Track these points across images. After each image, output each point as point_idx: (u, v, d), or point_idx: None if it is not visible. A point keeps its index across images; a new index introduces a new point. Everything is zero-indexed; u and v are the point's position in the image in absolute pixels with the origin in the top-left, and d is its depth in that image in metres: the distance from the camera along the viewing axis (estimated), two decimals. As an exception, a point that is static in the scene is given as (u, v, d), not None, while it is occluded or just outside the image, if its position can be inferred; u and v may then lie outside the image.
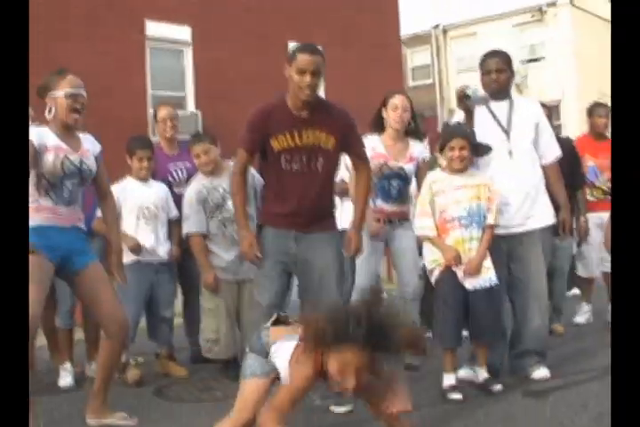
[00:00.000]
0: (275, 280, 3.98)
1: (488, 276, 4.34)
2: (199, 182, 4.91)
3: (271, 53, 11.76)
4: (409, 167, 4.97)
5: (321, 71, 3.82)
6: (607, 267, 6.25)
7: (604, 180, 6.34)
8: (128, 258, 4.72)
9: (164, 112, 5.29)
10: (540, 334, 4.69)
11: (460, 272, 4.32)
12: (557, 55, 22.51)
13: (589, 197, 6.37)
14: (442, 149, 4.48)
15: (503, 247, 4.51)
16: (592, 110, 6.61)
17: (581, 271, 6.55)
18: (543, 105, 5.19)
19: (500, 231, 4.43)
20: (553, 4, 22.67)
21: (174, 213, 5.08)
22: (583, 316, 6.56)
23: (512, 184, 4.45)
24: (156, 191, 5.03)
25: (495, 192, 4.42)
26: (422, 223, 4.42)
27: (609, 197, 6.18)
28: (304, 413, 3.96)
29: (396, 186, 4.94)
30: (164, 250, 4.97)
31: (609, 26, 15.44)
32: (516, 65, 19.67)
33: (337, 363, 2.67)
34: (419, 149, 5.06)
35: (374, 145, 4.85)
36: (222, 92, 11.48)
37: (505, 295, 4.61)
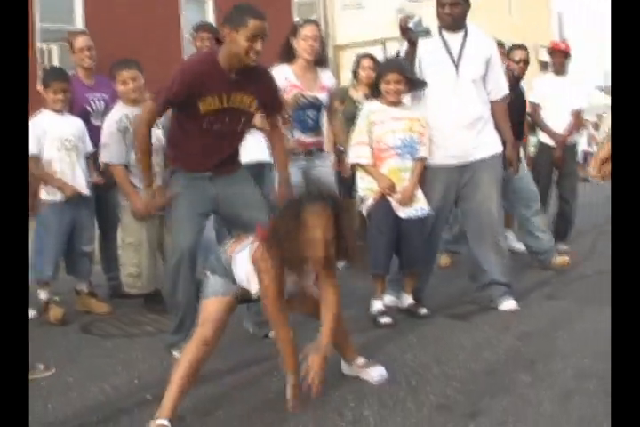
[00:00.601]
0: (194, 222, 3.90)
1: (419, 205, 4.48)
2: (120, 111, 4.73)
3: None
4: (322, 96, 4.96)
5: None
6: None
7: None
8: (50, 196, 4.61)
9: (80, 41, 5.08)
10: (502, 264, 4.73)
11: (393, 201, 4.41)
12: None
13: None
14: (377, 82, 4.52)
15: (454, 178, 4.58)
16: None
17: None
18: (499, 44, 5.26)
19: (449, 162, 4.52)
20: None
21: (90, 147, 4.92)
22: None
23: (457, 114, 4.48)
24: (73, 123, 4.87)
25: (426, 127, 4.52)
26: (358, 152, 4.46)
27: None
28: (238, 342, 4.02)
29: (312, 116, 4.93)
30: (83, 184, 4.80)
31: None
32: (401, 3, 19.68)
33: (307, 234, 2.87)
34: (328, 77, 5.07)
35: (286, 75, 4.82)
36: (112, 25, 11.07)
37: (439, 225, 4.73)
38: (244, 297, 3.19)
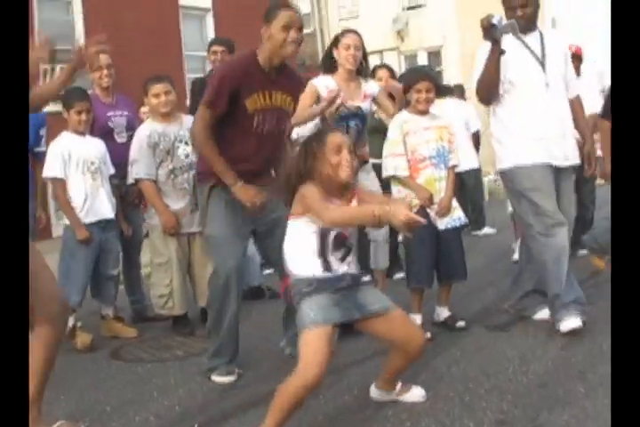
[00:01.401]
0: (238, 243, 3.78)
1: (457, 215, 4.44)
2: (150, 126, 4.72)
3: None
4: (365, 105, 4.83)
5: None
6: None
7: None
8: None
9: (100, 59, 5.01)
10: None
11: (432, 212, 4.33)
12: (438, 2, 22.72)
13: None
14: (406, 91, 4.47)
15: (554, 179, 4.34)
16: None
17: None
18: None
19: (551, 162, 4.29)
20: (433, -49, 22.78)
21: (112, 170, 4.85)
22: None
23: (551, 116, 4.31)
24: (96, 145, 4.77)
25: (454, 134, 4.54)
26: (395, 163, 4.38)
27: None
28: (274, 361, 3.92)
29: (354, 126, 4.77)
30: (109, 206, 4.71)
31: None
32: (397, 13, 19.75)
33: (327, 150, 2.96)
34: (371, 86, 4.93)
35: (328, 84, 4.71)
36: (113, 44, 11.01)
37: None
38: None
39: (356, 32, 4.83)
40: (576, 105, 4.50)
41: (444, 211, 4.37)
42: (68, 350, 4.49)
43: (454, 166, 4.51)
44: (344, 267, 2.98)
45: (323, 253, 2.93)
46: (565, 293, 4.20)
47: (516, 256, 6.49)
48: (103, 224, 4.71)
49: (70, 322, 4.59)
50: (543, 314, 4.49)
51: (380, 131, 5.22)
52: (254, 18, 4.68)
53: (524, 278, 4.66)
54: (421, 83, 4.39)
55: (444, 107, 7.14)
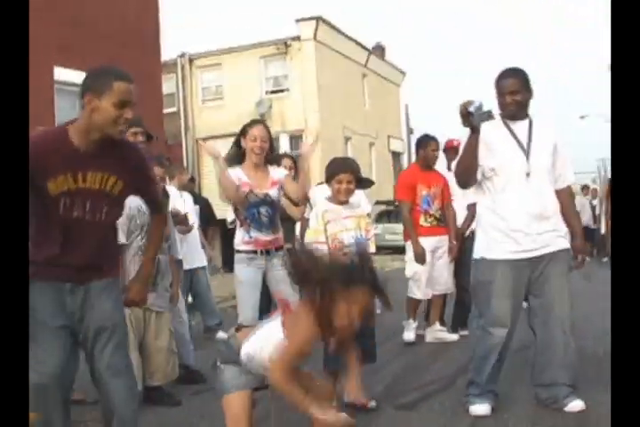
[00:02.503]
0: (57, 350, 3.20)
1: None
2: (132, 198, 4.73)
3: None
4: (273, 192, 5.07)
5: None
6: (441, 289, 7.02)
7: (436, 208, 6.87)
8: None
9: None
10: (569, 364, 4.40)
11: None
12: (301, 87, 23.64)
13: (424, 224, 6.82)
14: (328, 181, 4.72)
15: (525, 272, 4.33)
16: (423, 143, 7.04)
17: (413, 293, 6.92)
18: None
19: (521, 255, 4.28)
20: (297, 39, 23.83)
21: None
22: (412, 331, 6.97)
23: (530, 206, 4.26)
24: None
25: (369, 224, 4.78)
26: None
27: (441, 224, 6.90)
28: None
29: (265, 213, 5.00)
30: None
31: (348, 61, 17.10)
32: (260, 96, 20.41)
33: (347, 304, 2.90)
34: (278, 172, 5.17)
35: (238, 175, 4.96)
36: None
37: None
38: (260, 386, 3.21)
39: (263, 123, 5.16)
40: (564, 196, 4.46)
41: None
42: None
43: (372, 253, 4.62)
44: None
45: None
46: (485, 383, 4.37)
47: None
48: None
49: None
50: (576, 406, 4.32)
51: (282, 218, 5.44)
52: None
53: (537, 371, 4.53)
54: (342, 175, 4.60)
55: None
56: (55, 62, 12.67)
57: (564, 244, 4.39)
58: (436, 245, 6.84)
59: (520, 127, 4.37)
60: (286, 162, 6.57)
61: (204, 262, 7.82)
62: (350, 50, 26.41)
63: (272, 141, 5.16)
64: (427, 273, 6.80)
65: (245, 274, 4.93)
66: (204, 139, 21.16)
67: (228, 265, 6.65)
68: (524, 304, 4.55)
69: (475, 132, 4.17)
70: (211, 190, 11.12)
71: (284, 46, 23.89)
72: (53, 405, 3.16)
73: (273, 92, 24.54)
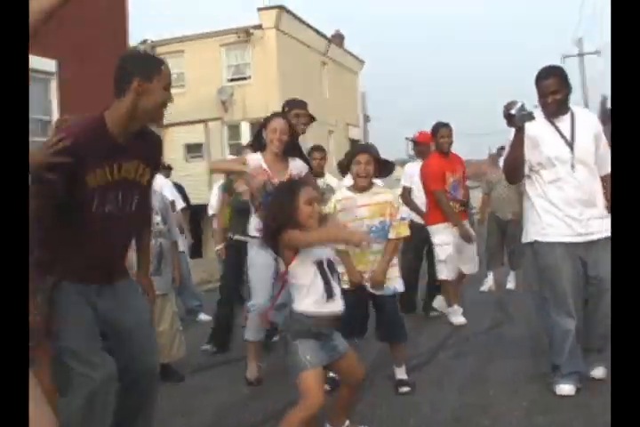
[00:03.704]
0: (101, 351, 3.08)
1: (392, 285, 4.74)
2: None
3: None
4: None
5: None
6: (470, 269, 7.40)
7: (461, 193, 7.24)
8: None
9: None
10: (607, 333, 4.37)
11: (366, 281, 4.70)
12: (262, 75, 23.80)
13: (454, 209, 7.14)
14: (348, 167, 4.79)
15: (577, 255, 4.51)
16: (435, 131, 7.31)
17: (445, 274, 7.19)
18: None
19: (576, 239, 4.49)
20: (259, 27, 23.97)
21: None
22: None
23: (578, 195, 4.51)
24: None
25: (397, 209, 4.78)
26: None
27: (466, 209, 7.35)
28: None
29: None
30: None
31: (308, 50, 17.57)
32: (222, 83, 20.49)
33: (304, 203, 3.38)
34: (298, 165, 5.17)
35: (259, 161, 5.03)
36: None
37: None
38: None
39: (283, 116, 5.21)
40: (608, 182, 4.56)
41: (376, 285, 4.66)
42: None
43: (394, 240, 4.72)
44: (339, 291, 3.46)
45: (326, 279, 3.39)
46: (565, 364, 4.49)
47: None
48: None
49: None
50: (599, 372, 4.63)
51: (247, 212, 5.47)
52: (100, 85, 4.70)
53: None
54: (360, 155, 4.69)
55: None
56: (25, 50, 12.71)
57: (608, 232, 4.45)
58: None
59: (563, 122, 4.59)
60: (315, 155, 6.68)
61: (184, 247, 8.15)
62: (311, 38, 26.66)
63: (294, 134, 5.21)
64: (456, 256, 7.15)
65: (259, 258, 5.03)
66: (167, 126, 21.33)
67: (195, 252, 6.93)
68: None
69: (519, 131, 4.44)
70: (177, 178, 11.28)
71: (245, 34, 23.96)
72: (109, 404, 3.06)
73: (234, 79, 24.64)
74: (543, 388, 4.55)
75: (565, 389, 4.44)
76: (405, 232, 4.80)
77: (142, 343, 3.26)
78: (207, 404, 4.74)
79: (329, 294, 3.38)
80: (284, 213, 3.38)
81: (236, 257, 6.26)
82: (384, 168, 4.82)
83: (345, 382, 3.70)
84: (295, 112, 5.57)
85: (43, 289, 3.00)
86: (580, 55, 32.91)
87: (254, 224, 5.04)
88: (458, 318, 7.14)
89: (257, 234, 4.96)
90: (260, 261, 5.03)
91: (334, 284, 3.43)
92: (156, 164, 3.36)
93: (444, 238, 7.13)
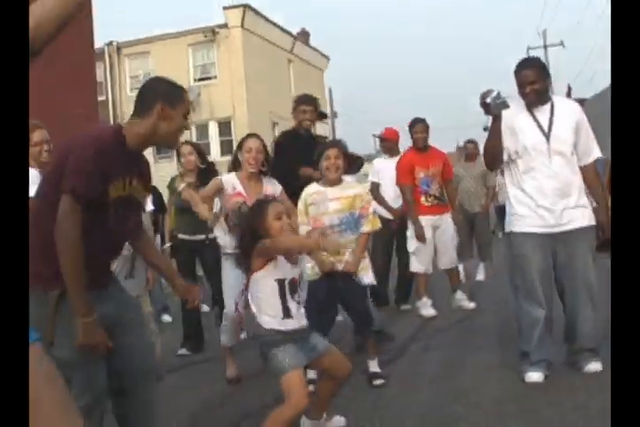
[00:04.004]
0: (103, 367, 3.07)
1: (363, 275, 4.86)
2: None
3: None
4: None
5: None
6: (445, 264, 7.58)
7: (435, 187, 7.41)
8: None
9: (37, 135, 4.78)
10: (592, 331, 4.65)
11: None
12: (228, 74, 23.84)
13: (424, 203, 7.37)
14: (317, 162, 4.84)
15: (550, 246, 4.58)
16: (411, 127, 7.48)
17: (415, 267, 7.44)
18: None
19: (546, 230, 4.55)
20: (225, 26, 23.99)
21: None
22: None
23: (552, 185, 4.54)
24: None
25: (369, 202, 4.90)
26: (301, 232, 4.73)
27: (440, 203, 7.45)
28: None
29: None
30: None
31: (274, 48, 17.75)
32: (189, 84, 20.53)
33: (273, 219, 3.55)
34: (272, 185, 5.22)
35: (234, 183, 5.10)
36: None
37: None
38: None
39: (257, 136, 5.28)
40: (589, 172, 4.70)
41: (348, 269, 4.74)
42: None
43: (366, 233, 4.83)
44: (301, 309, 3.58)
45: (283, 298, 3.51)
46: (534, 352, 4.59)
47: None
48: None
49: None
50: (592, 366, 4.60)
51: (188, 209, 5.55)
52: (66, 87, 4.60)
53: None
54: (329, 150, 4.77)
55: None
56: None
57: (590, 221, 4.63)
58: (438, 222, 7.41)
59: (542, 111, 4.64)
60: (185, 149, 6.45)
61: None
62: (276, 36, 26.75)
63: (267, 153, 5.27)
64: (429, 249, 7.36)
65: (231, 271, 5.07)
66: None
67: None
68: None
69: (495, 119, 4.55)
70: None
71: (211, 34, 24.02)
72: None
73: (201, 79, 24.70)
74: (514, 376, 4.65)
75: (534, 376, 4.54)
76: (377, 225, 4.91)
77: (140, 341, 3.28)
78: (187, 403, 4.80)
79: (285, 313, 3.50)
80: (256, 231, 3.54)
81: (184, 255, 6.38)
82: (353, 163, 4.93)
83: (330, 376, 3.78)
84: (302, 108, 5.75)
85: (46, 302, 2.94)
86: (545, 47, 33.31)
87: (227, 242, 5.12)
88: (428, 310, 7.28)
89: (230, 251, 5.03)
90: (231, 273, 5.06)
91: (292, 304, 3.54)
92: (149, 181, 3.39)
93: (412, 232, 7.33)
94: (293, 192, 5.08)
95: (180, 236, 6.37)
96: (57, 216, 2.86)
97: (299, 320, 3.55)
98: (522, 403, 4.16)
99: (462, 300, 7.59)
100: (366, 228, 4.85)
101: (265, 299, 3.52)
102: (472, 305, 7.47)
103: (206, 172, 6.22)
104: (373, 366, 4.94)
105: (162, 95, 3.14)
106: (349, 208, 4.78)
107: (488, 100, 4.40)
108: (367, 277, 4.92)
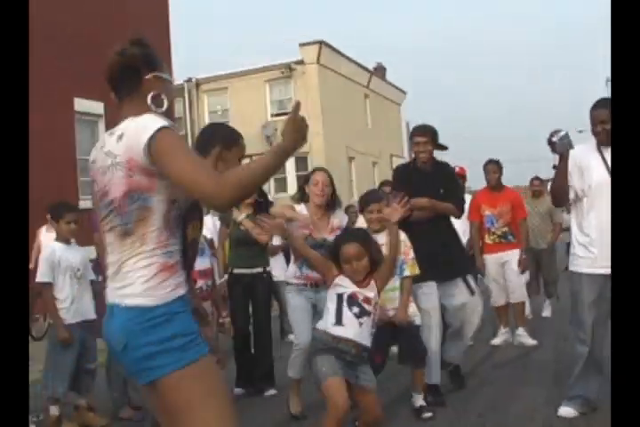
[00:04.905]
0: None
1: (413, 319, 5.00)
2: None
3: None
4: (331, 238, 5.02)
5: None
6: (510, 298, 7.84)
7: (499, 226, 7.73)
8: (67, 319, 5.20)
9: None
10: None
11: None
12: (305, 110, 24.05)
13: (487, 241, 7.73)
14: (362, 212, 5.15)
15: (606, 287, 4.44)
16: (485, 168, 7.92)
17: (491, 301, 7.90)
18: None
19: (599, 271, 4.55)
20: (301, 62, 24.49)
21: (92, 275, 5.49)
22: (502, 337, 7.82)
23: (609, 226, 4.40)
24: (81, 253, 5.39)
25: (410, 247, 5.01)
26: None
27: (503, 241, 7.72)
28: None
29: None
30: (91, 308, 5.34)
31: (350, 83, 17.97)
32: (266, 119, 20.85)
33: (344, 260, 4.03)
34: (339, 218, 5.37)
35: (304, 215, 5.27)
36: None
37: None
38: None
39: (324, 170, 5.41)
40: None
41: (401, 320, 4.85)
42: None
43: (409, 277, 4.96)
44: (355, 323, 3.87)
45: (339, 307, 3.90)
46: (571, 387, 4.75)
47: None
48: (86, 324, 5.28)
49: (55, 411, 5.17)
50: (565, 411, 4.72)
51: (246, 242, 5.87)
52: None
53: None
54: (371, 205, 4.99)
55: None
56: (74, 93, 13.33)
57: None
58: (503, 259, 7.73)
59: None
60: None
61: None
62: (352, 71, 27.13)
63: (334, 186, 5.39)
64: (497, 283, 7.80)
65: (297, 301, 5.26)
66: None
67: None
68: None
69: (561, 158, 4.67)
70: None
71: (288, 70, 24.54)
72: None
73: (278, 114, 25.03)
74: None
75: (564, 411, 4.65)
76: (417, 270, 5.02)
77: None
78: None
79: (337, 319, 3.86)
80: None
81: (240, 289, 6.23)
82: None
83: (363, 418, 4.03)
84: (415, 140, 5.60)
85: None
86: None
87: (292, 272, 5.31)
88: (495, 339, 7.77)
89: (295, 281, 5.25)
90: (299, 305, 5.23)
91: (347, 314, 3.87)
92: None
93: (489, 268, 7.77)
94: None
95: (236, 271, 6.25)
96: None
97: (348, 331, 3.86)
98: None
99: (523, 336, 7.66)
100: (408, 272, 4.98)
101: (328, 307, 3.98)
102: (533, 342, 7.53)
103: (263, 205, 6.38)
104: (418, 400, 5.04)
105: (221, 139, 3.30)
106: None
107: (554, 139, 4.54)
108: (418, 318, 5.06)
